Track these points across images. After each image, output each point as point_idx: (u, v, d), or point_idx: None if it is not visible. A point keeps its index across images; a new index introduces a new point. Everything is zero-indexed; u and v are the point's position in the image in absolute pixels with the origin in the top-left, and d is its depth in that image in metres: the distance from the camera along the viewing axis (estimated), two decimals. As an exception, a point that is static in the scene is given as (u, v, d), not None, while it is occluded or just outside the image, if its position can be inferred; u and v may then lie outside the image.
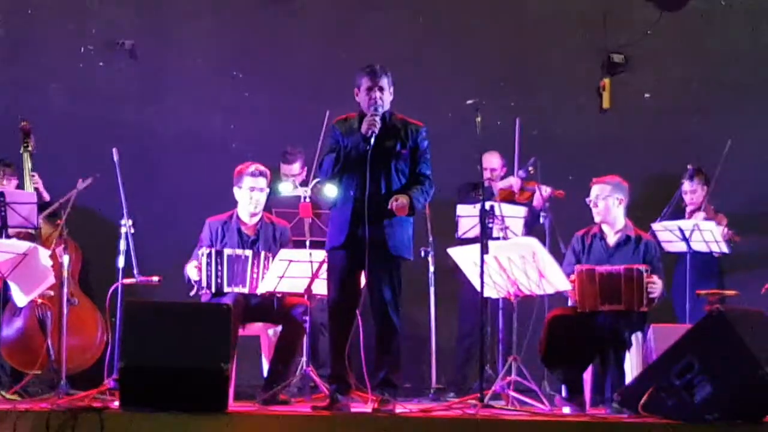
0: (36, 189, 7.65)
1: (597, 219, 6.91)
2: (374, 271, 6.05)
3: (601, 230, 6.92)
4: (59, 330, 6.82)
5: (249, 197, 6.98)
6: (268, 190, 7.08)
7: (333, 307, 6.17)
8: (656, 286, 6.65)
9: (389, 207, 5.98)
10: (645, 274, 6.59)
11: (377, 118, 6.03)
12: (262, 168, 7.02)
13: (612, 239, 6.90)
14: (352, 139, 6.09)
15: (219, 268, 6.79)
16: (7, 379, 7.12)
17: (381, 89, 6.12)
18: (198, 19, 8.88)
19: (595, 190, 6.89)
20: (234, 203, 7.09)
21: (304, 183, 7.54)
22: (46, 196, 7.73)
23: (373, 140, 6.02)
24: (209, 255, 6.80)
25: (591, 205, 6.90)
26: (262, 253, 6.82)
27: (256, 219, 7.06)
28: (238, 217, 7.05)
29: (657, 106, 8.99)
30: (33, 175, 7.66)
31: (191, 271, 6.89)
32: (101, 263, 7.56)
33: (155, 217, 8.29)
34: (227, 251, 6.83)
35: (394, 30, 8.92)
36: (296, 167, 7.93)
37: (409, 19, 8.97)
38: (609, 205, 6.86)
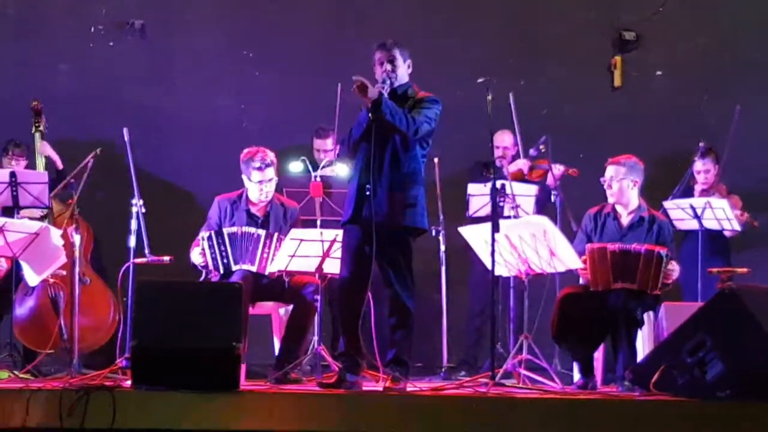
0: (48, 157, 7.68)
1: (611, 200, 6.89)
2: (382, 246, 6.02)
3: (614, 209, 6.90)
4: (71, 309, 6.82)
5: (258, 189, 6.97)
6: (276, 178, 7.06)
7: (342, 284, 6.17)
8: (674, 272, 6.64)
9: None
10: (665, 260, 6.57)
11: (383, 91, 5.97)
12: (268, 158, 6.95)
13: (625, 219, 6.88)
14: (364, 113, 6.05)
15: (222, 248, 6.80)
16: (20, 358, 7.15)
17: (391, 62, 6.10)
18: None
19: (610, 171, 6.86)
20: (242, 182, 7.09)
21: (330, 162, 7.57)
22: (60, 165, 7.76)
23: (378, 111, 5.94)
24: (209, 238, 6.81)
25: (605, 185, 6.88)
26: (275, 235, 6.81)
27: (266, 201, 7.06)
28: (247, 197, 7.05)
29: (669, 83, 8.97)
30: (45, 145, 7.67)
31: (195, 257, 6.90)
32: (113, 243, 7.57)
33: (166, 197, 8.34)
34: (227, 230, 6.83)
35: (403, 5, 8.89)
36: (329, 143, 7.91)
37: (426, 5, 8.95)
38: (623, 187, 6.83)
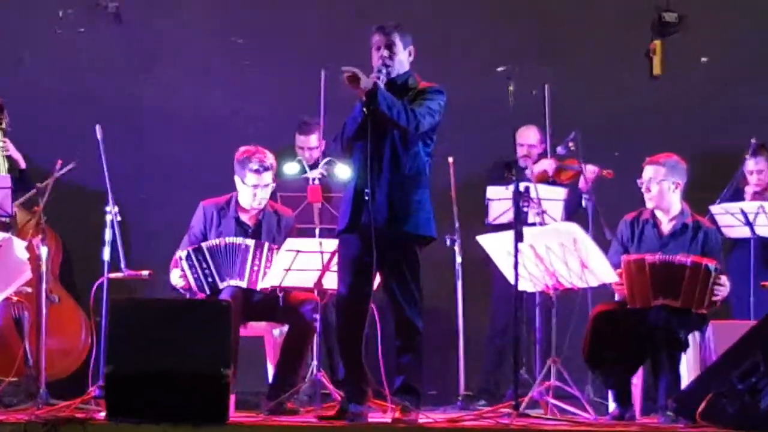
0: (8, 158, 7.68)
1: (649, 205, 6.89)
2: (385, 258, 6.01)
3: (653, 215, 6.90)
4: (38, 331, 6.85)
5: (252, 194, 6.99)
6: (274, 184, 7.08)
7: (340, 302, 6.17)
8: (723, 288, 6.63)
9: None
10: (714, 274, 6.56)
11: (381, 80, 5.97)
12: (267, 161, 6.98)
13: (666, 226, 6.88)
14: (359, 106, 6.03)
15: (204, 265, 6.82)
16: (-20, 387, 7.19)
17: (389, 47, 6.08)
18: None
19: (648, 171, 6.85)
20: (234, 185, 7.10)
21: (315, 163, 7.54)
22: (22, 164, 7.75)
23: (371, 106, 5.91)
24: (188, 257, 6.82)
25: (643, 188, 6.87)
26: (266, 244, 6.83)
27: (259, 207, 7.08)
28: (237, 202, 7.07)
29: (716, 71, 8.98)
30: (4, 142, 7.67)
31: (176, 280, 6.91)
32: (84, 256, 7.62)
33: (145, 204, 8.37)
34: (206, 244, 6.84)
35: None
36: (314, 139, 7.95)
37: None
38: (663, 190, 6.83)
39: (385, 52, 6.07)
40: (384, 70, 6.02)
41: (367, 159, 5.98)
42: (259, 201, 7.01)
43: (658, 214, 6.89)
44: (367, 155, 5.97)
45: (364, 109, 5.92)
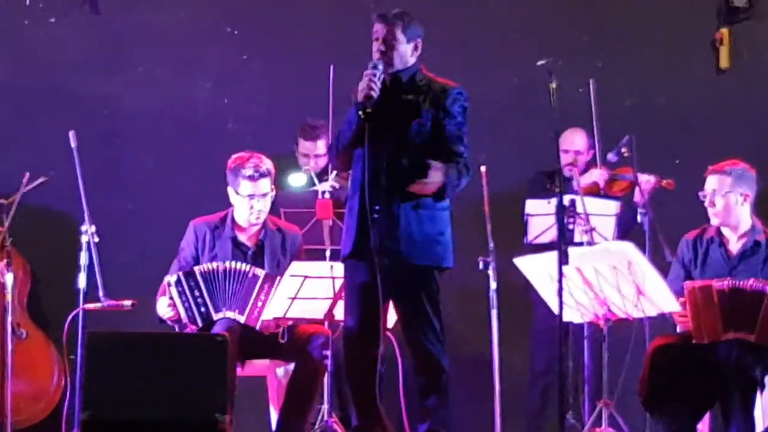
0: None
1: (714, 221, 6.91)
2: (398, 290, 6.09)
3: (719, 233, 6.93)
4: (3, 372, 6.90)
5: (248, 206, 7.02)
6: (273, 192, 7.11)
7: (348, 336, 6.22)
8: None
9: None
10: None
11: (376, 79, 6.00)
12: (263, 166, 7.03)
13: (735, 246, 6.91)
14: (353, 110, 6.09)
15: (197, 293, 6.87)
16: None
17: (390, 40, 6.10)
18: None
19: (711, 182, 6.88)
20: (229, 201, 7.15)
21: (324, 172, 7.58)
22: None
23: (370, 107, 5.98)
24: (178, 282, 6.87)
25: (706, 202, 6.89)
26: (278, 279, 6.81)
27: (257, 227, 7.13)
28: (233, 220, 7.11)
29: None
30: None
31: (163, 309, 6.97)
32: (57, 283, 7.66)
33: (126, 222, 8.40)
34: (199, 268, 6.89)
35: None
36: (321, 145, 7.93)
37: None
38: (730, 203, 6.84)
39: (382, 46, 6.09)
40: (380, 66, 6.03)
41: (365, 174, 6.02)
42: (256, 214, 7.03)
43: (725, 231, 6.92)
44: (368, 167, 6.02)
45: (361, 113, 5.96)
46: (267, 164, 7.04)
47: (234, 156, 7.10)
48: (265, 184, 7.02)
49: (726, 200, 6.85)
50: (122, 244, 7.87)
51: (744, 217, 6.89)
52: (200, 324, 6.84)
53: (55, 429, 7.12)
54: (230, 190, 7.07)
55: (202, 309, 6.85)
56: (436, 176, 5.96)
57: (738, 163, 6.91)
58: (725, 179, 6.85)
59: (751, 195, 6.88)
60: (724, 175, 6.86)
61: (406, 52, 6.16)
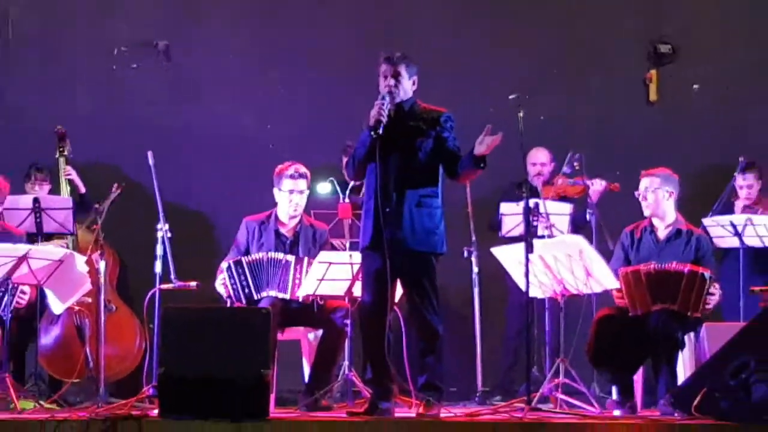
0: (71, 181, 7.75)
1: (646, 213, 6.89)
2: (403, 272, 6.05)
3: (651, 224, 6.91)
4: (97, 337, 6.89)
5: (288, 200, 7.00)
6: (308, 191, 7.10)
7: (364, 310, 6.19)
8: (715, 296, 6.61)
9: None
10: (708, 282, 6.55)
11: (384, 107, 5.95)
12: (302, 169, 7.03)
13: (662, 233, 6.88)
14: (366, 133, 6.04)
15: (243, 278, 6.84)
16: (46, 388, 7.22)
17: (395, 76, 6.05)
18: (230, 17, 8.93)
19: (644, 182, 6.87)
20: (272, 204, 7.13)
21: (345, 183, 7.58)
22: (82, 189, 7.85)
23: (381, 130, 5.94)
24: (229, 268, 6.84)
25: (640, 198, 6.88)
26: (305, 260, 6.82)
27: (295, 221, 7.09)
28: (276, 217, 7.09)
29: (707, 97, 8.93)
30: (66, 167, 7.74)
31: (219, 287, 6.94)
32: (138, 269, 7.63)
33: (193, 220, 8.39)
34: (246, 259, 6.85)
35: (432, 19, 8.88)
36: None
37: (445, 4, 8.95)
38: (659, 198, 6.84)
39: (392, 81, 6.04)
40: (388, 98, 5.99)
41: (377, 182, 5.99)
42: (294, 206, 7.01)
43: (655, 221, 6.89)
44: (378, 177, 5.99)
45: (372, 134, 5.94)
46: (304, 169, 7.05)
47: (279, 166, 7.08)
48: (303, 184, 7.01)
49: (656, 195, 6.83)
50: (189, 237, 7.83)
51: (669, 210, 6.87)
52: (243, 302, 6.79)
53: (138, 382, 7.09)
54: (275, 190, 7.05)
55: (246, 290, 6.81)
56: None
57: (665, 169, 6.90)
58: (655, 179, 6.84)
59: (675, 193, 6.86)
60: (655, 177, 6.85)
61: (408, 87, 6.11)
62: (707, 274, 6.56)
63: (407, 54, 6.16)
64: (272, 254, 6.87)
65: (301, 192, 7.02)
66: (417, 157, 6.04)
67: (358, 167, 6.13)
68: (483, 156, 5.94)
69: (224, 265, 6.89)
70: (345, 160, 7.82)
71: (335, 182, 7.66)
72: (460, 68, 8.58)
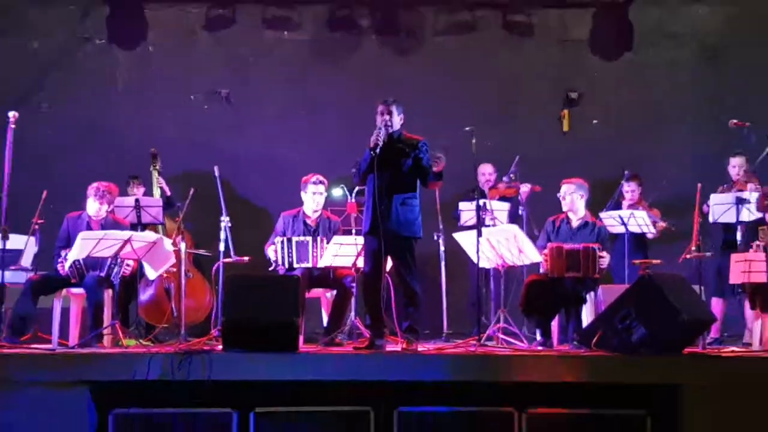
0: (161, 188, 7.76)
1: (565, 209, 6.89)
2: (392, 250, 6.06)
3: (567, 217, 6.91)
4: (179, 295, 6.86)
5: (312, 200, 7.01)
6: (326, 193, 7.09)
7: (365, 277, 6.19)
8: (604, 260, 6.63)
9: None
10: (597, 252, 6.57)
11: (381, 134, 5.99)
12: (321, 178, 7.04)
13: (575, 223, 6.88)
14: (368, 152, 6.08)
15: (289, 251, 6.79)
16: (143, 330, 7.22)
17: (389, 114, 6.08)
18: (269, 74, 8.88)
19: (564, 187, 6.89)
20: (300, 203, 7.11)
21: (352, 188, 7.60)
22: (168, 192, 7.85)
23: (378, 150, 5.96)
24: (282, 243, 6.82)
25: (561, 198, 6.89)
26: (320, 240, 6.83)
27: (317, 214, 7.08)
28: (304, 212, 7.09)
29: (603, 129, 8.91)
30: (159, 178, 7.74)
31: (270, 252, 6.92)
32: (208, 248, 7.57)
33: (244, 215, 8.32)
34: (295, 239, 6.84)
35: (413, 81, 8.82)
36: None
37: (426, 72, 8.90)
38: (574, 199, 6.85)
39: (387, 117, 6.08)
40: (383, 129, 6.02)
41: (375, 186, 5.99)
42: (316, 203, 6.99)
43: (570, 215, 6.89)
44: (376, 183, 5.99)
45: (372, 153, 5.95)
46: (322, 178, 7.05)
47: (305, 176, 7.10)
48: (321, 188, 7.01)
49: (572, 197, 6.84)
50: (242, 226, 7.75)
51: (581, 207, 6.87)
52: (286, 267, 6.78)
53: (207, 326, 7.10)
54: (302, 193, 7.04)
55: (289, 259, 6.78)
56: (441, 161, 5.99)
57: (579, 179, 6.92)
58: (571, 185, 6.85)
59: (585, 195, 6.87)
60: (571, 183, 6.86)
61: (397, 121, 6.14)
62: (596, 246, 6.57)
63: (397, 99, 6.19)
64: (297, 239, 6.86)
65: (321, 194, 7.02)
66: (401, 171, 6.06)
67: (362, 177, 6.14)
68: (440, 172, 5.97)
69: (279, 239, 6.86)
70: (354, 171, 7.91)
71: (345, 188, 7.68)
72: (432, 109, 8.55)
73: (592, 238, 6.75)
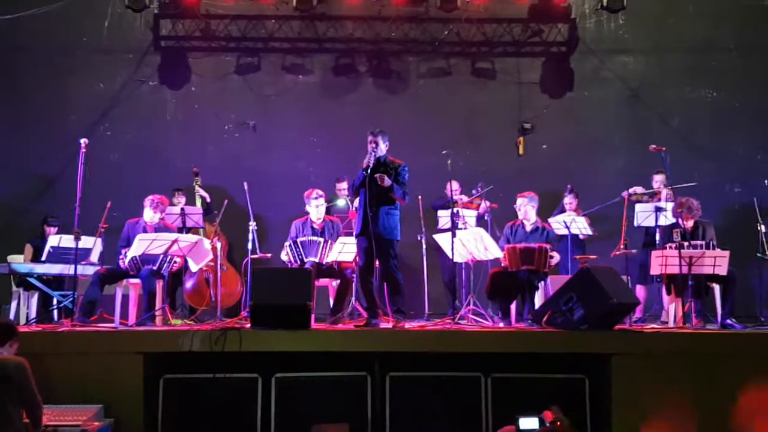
0: (202, 197, 7.72)
1: (520, 216, 6.90)
2: (378, 249, 6.06)
3: (522, 223, 6.91)
4: (216, 284, 6.87)
5: (315, 210, 6.97)
6: (326, 204, 7.06)
7: (360, 270, 6.19)
8: (554, 258, 6.64)
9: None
10: (548, 251, 6.58)
11: (372, 158, 6.02)
12: (319, 192, 7.00)
13: (528, 228, 6.88)
14: (361, 171, 6.10)
15: (298, 252, 6.77)
16: (187, 312, 7.20)
17: (376, 143, 6.10)
18: (291, 109, 8.83)
19: (519, 200, 6.91)
20: (306, 212, 7.08)
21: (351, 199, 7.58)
22: (208, 198, 7.83)
23: (368, 171, 6.00)
24: (290, 246, 6.80)
25: (517, 209, 6.90)
26: (329, 241, 6.80)
27: (320, 220, 7.04)
28: (310, 219, 7.05)
29: (550, 152, 8.88)
30: (200, 190, 7.70)
31: (283, 256, 6.89)
32: (239, 246, 7.55)
33: (269, 220, 8.34)
34: (300, 239, 6.80)
35: (404, 111, 8.79)
36: (344, 185, 7.91)
37: (411, 107, 8.86)
38: (527, 209, 6.86)
39: (374, 145, 6.09)
40: (373, 154, 6.04)
41: (367, 198, 6.00)
42: (318, 213, 6.96)
43: (525, 221, 6.90)
44: (368, 196, 5.99)
45: (365, 173, 5.98)
46: (320, 192, 7.01)
47: (306, 191, 7.06)
48: (322, 201, 6.98)
49: (525, 207, 6.85)
50: (265, 230, 7.82)
51: (532, 215, 6.87)
52: (297, 264, 6.75)
53: (238, 309, 7.07)
54: (307, 206, 7.01)
55: (299, 258, 6.76)
56: (386, 180, 5.95)
57: (531, 192, 6.93)
58: (525, 198, 6.87)
59: (536, 206, 6.88)
60: (525, 197, 6.87)
61: (383, 148, 6.15)
62: (548, 247, 6.58)
63: (383, 129, 6.19)
64: (310, 238, 6.84)
65: (321, 205, 6.99)
66: (384, 187, 6.05)
67: (355, 191, 6.16)
68: (390, 187, 5.99)
69: (287, 244, 6.85)
70: (342, 184, 7.91)
71: (347, 200, 7.69)
72: (415, 137, 8.54)
73: (543, 239, 6.75)
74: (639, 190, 7.61)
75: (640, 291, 7.39)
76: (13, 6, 8.46)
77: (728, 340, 5.77)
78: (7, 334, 4.72)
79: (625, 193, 7.41)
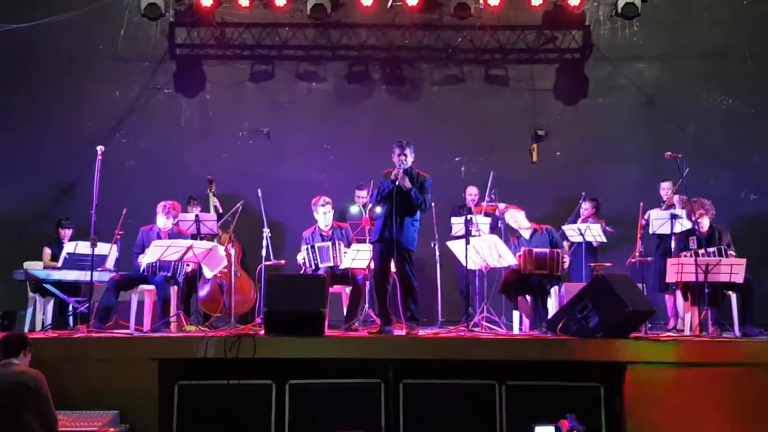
0: (215, 206, 7.76)
1: (515, 228, 6.96)
2: (396, 256, 6.07)
3: (520, 234, 6.93)
4: (230, 291, 6.88)
5: (323, 218, 6.99)
6: (333, 211, 7.06)
7: (375, 275, 6.20)
8: (566, 262, 6.61)
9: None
10: (561, 255, 6.55)
11: (401, 171, 6.04)
12: (327, 199, 7.01)
13: (527, 235, 6.90)
14: (388, 182, 6.11)
15: (314, 255, 6.80)
16: (201, 318, 7.23)
17: (404, 155, 6.12)
18: (305, 116, 8.85)
19: (507, 216, 6.99)
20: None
21: (365, 205, 7.59)
22: (221, 209, 7.85)
23: (397, 183, 6.02)
24: (307, 250, 6.83)
25: (509, 224, 6.96)
26: (338, 243, 6.83)
27: (328, 226, 7.06)
28: (319, 227, 7.08)
29: (564, 159, 8.86)
30: (215, 199, 7.75)
31: (300, 258, 6.91)
32: (253, 253, 7.55)
33: (283, 227, 8.34)
34: (318, 245, 6.84)
35: (417, 118, 8.79)
36: (364, 193, 7.89)
37: (425, 114, 8.87)
38: (518, 218, 6.90)
39: (402, 157, 6.12)
40: (401, 166, 6.06)
41: (392, 209, 6.03)
42: (326, 222, 6.97)
43: (521, 231, 6.92)
44: (391, 206, 6.02)
45: (393, 184, 6.01)
46: (328, 199, 7.02)
47: (314, 199, 7.08)
48: (329, 208, 6.99)
49: (515, 217, 6.91)
50: (279, 236, 7.83)
51: (524, 221, 6.90)
52: (313, 268, 6.77)
53: (252, 316, 7.10)
54: (314, 213, 7.03)
55: (314, 262, 6.78)
56: (406, 182, 5.98)
57: (511, 206, 6.99)
58: (507, 213, 6.93)
59: (520, 209, 6.93)
60: (507, 212, 6.93)
61: (410, 159, 6.19)
62: (560, 251, 6.56)
63: (409, 141, 6.24)
64: (323, 244, 6.85)
65: (329, 213, 7.00)
66: (411, 196, 6.09)
67: (379, 199, 6.19)
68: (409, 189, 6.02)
69: (305, 247, 6.86)
70: (362, 192, 7.86)
71: (360, 207, 7.69)
72: (429, 144, 8.49)
73: (545, 240, 6.75)
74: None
75: (668, 300, 7.31)
76: (30, 15, 8.57)
77: (747, 349, 5.71)
78: (20, 344, 4.77)
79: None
